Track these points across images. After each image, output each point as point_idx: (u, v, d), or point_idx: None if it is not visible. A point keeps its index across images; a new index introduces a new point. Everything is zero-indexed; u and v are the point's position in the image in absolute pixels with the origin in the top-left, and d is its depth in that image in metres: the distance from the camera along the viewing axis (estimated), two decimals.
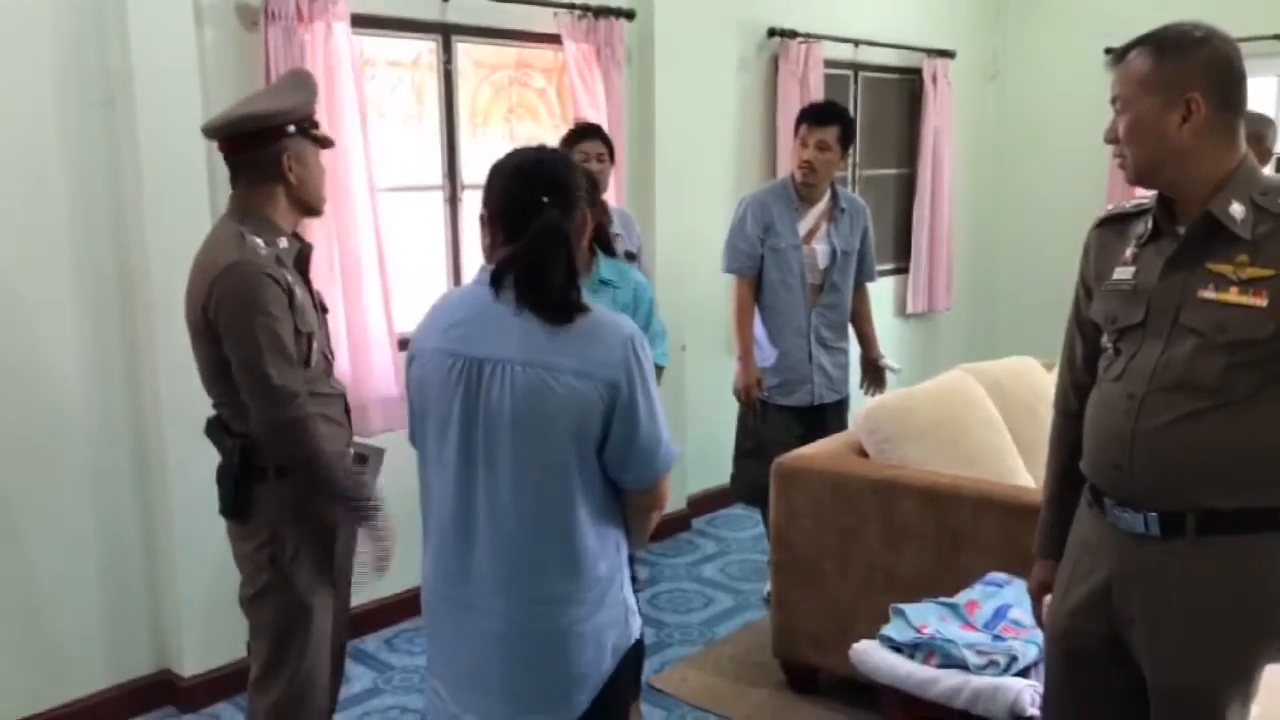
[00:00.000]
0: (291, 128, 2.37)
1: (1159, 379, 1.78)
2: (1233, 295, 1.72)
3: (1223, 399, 1.73)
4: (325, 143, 2.49)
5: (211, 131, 2.40)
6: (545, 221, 1.79)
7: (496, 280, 1.83)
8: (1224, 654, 1.78)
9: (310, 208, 2.49)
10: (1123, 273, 1.88)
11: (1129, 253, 1.89)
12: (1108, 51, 6.16)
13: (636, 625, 1.97)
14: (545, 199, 1.80)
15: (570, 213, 1.84)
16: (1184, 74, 1.73)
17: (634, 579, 2.18)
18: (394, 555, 2.46)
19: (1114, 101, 1.81)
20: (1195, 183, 1.77)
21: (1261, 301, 1.70)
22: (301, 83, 2.52)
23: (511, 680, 1.87)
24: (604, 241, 3.08)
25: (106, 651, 3.35)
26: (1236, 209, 1.74)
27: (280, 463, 2.35)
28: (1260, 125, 3.44)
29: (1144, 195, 1.93)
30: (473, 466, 1.83)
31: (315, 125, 2.45)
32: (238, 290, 2.25)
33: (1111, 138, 1.84)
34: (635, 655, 2.00)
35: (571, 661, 1.85)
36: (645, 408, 1.82)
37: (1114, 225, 1.96)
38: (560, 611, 1.84)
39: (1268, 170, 3.85)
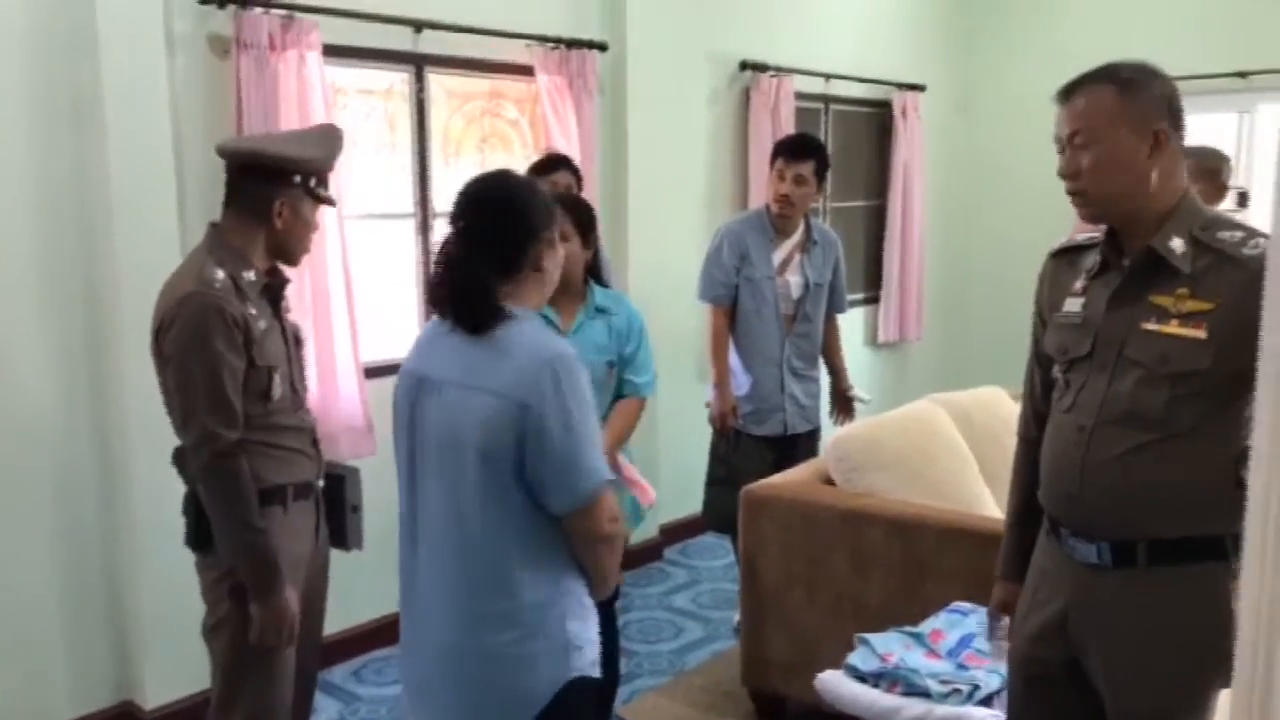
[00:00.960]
0: (298, 178, 2.37)
1: (1106, 411, 1.82)
2: (1173, 327, 1.75)
3: (1168, 431, 1.76)
4: (327, 202, 2.49)
5: (224, 153, 2.40)
6: (450, 235, 1.93)
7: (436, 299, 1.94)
8: (1178, 680, 1.81)
9: (287, 256, 2.47)
10: (1072, 304, 1.92)
11: (1079, 285, 1.92)
12: None
13: (583, 663, 1.92)
14: (462, 221, 1.92)
15: (482, 232, 1.91)
16: (1149, 106, 1.77)
17: (610, 618, 2.12)
18: (282, 636, 2.34)
19: (1072, 137, 1.82)
20: (1147, 216, 1.80)
21: (1201, 334, 1.73)
22: (329, 139, 2.50)
23: (451, 695, 1.93)
24: (595, 271, 3.10)
25: (68, 683, 3.30)
26: (1176, 243, 1.77)
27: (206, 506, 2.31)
28: (1217, 161, 3.51)
29: (1096, 228, 1.98)
30: (414, 482, 1.95)
31: (324, 183, 2.45)
32: (187, 323, 2.24)
33: (1072, 173, 1.83)
34: (590, 694, 1.94)
35: (503, 684, 1.87)
36: (559, 430, 1.80)
37: (1066, 257, 2.00)
38: (490, 631, 1.86)
39: (1226, 204, 3.93)
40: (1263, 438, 0.97)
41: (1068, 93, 1.84)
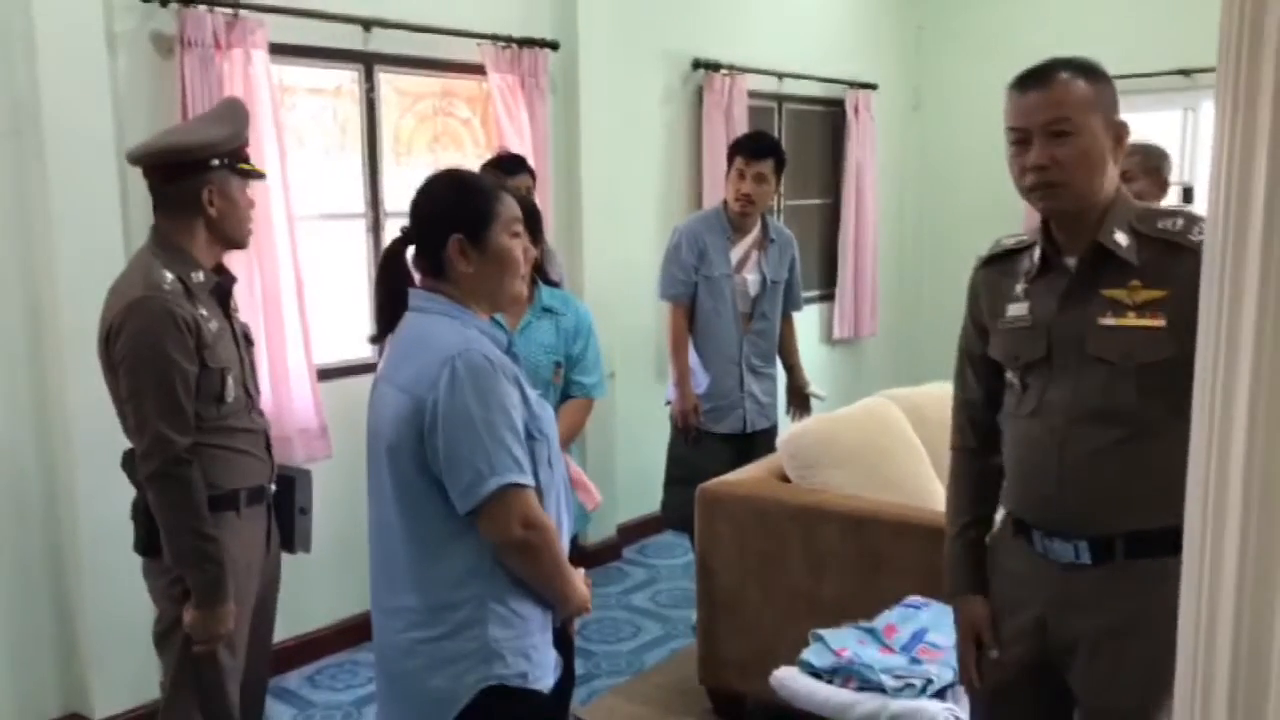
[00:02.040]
0: (216, 161, 2.33)
1: (1077, 409, 1.81)
2: (1131, 319, 1.75)
3: (1141, 423, 1.76)
4: (254, 175, 2.45)
5: (133, 160, 2.36)
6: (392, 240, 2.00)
7: None
8: (1156, 674, 1.81)
9: (232, 241, 2.43)
10: (1017, 309, 1.90)
11: (1019, 289, 1.91)
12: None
13: (507, 671, 1.86)
14: (411, 220, 1.98)
15: (416, 231, 1.96)
16: (1113, 100, 1.77)
17: (561, 631, 2.08)
18: (217, 644, 2.32)
19: (1047, 126, 1.74)
20: (1093, 211, 1.80)
21: (1160, 322, 1.73)
22: (232, 114, 2.46)
23: (384, 689, 1.98)
24: (542, 271, 3.08)
25: (13, 695, 3.23)
26: (1120, 236, 1.78)
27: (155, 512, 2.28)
28: (1158, 158, 3.57)
29: (1021, 232, 1.99)
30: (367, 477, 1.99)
31: (244, 158, 2.41)
32: (137, 328, 2.21)
33: (1044, 163, 1.75)
34: (515, 704, 1.89)
35: (420, 682, 1.87)
36: (454, 428, 1.78)
37: (997, 264, 1.99)
38: (406, 628, 1.88)
39: (1170, 200, 3.99)
40: (1201, 429, 0.98)
41: (1037, 80, 1.77)
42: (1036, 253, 1.89)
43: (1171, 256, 1.74)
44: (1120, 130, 1.78)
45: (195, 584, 2.29)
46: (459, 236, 1.89)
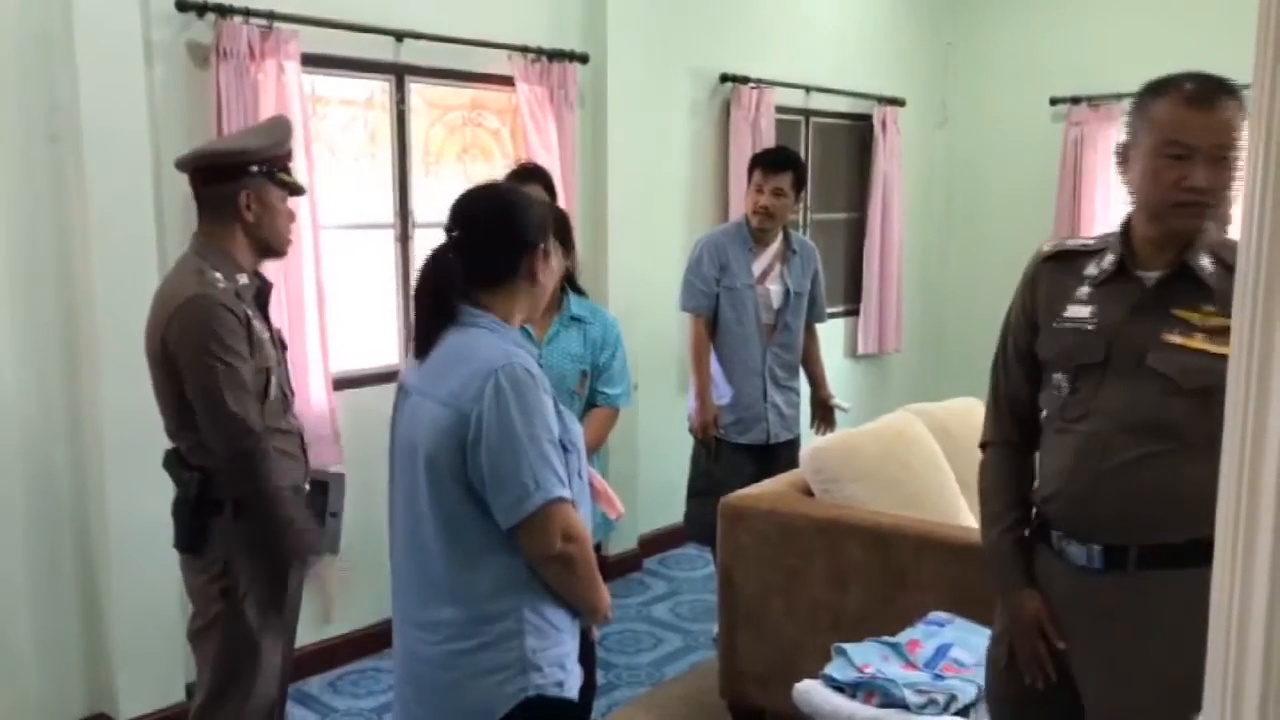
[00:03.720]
0: (255, 168, 2.41)
1: (1125, 418, 1.83)
2: (1198, 342, 1.77)
3: (1185, 441, 1.78)
4: (293, 188, 2.53)
5: (179, 165, 2.45)
6: (438, 246, 1.95)
7: None
8: (1160, 680, 1.81)
9: (270, 249, 2.52)
10: (1077, 310, 1.91)
11: (1083, 291, 1.92)
12: (1053, 102, 6.36)
13: (545, 681, 1.87)
14: (455, 231, 1.95)
15: (474, 243, 1.94)
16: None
17: (584, 636, 2.09)
18: (333, 603, 2.45)
19: (1216, 149, 1.75)
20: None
21: (1226, 349, 1.74)
22: (275, 127, 2.56)
23: (413, 701, 1.96)
24: (572, 280, 3.10)
25: (41, 695, 3.27)
26: (1205, 260, 1.81)
27: (236, 495, 2.36)
28: None
29: (1087, 236, 2.00)
30: (390, 487, 2.00)
31: (284, 169, 2.48)
32: (196, 323, 2.29)
33: (1214, 186, 1.76)
34: (552, 715, 1.90)
35: (456, 694, 1.87)
36: (498, 442, 1.78)
37: (1061, 261, 1.99)
38: (442, 640, 1.88)
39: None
40: (1232, 443, 0.98)
41: (1210, 100, 1.77)
42: (1108, 259, 1.90)
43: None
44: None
45: (279, 550, 2.40)
46: (543, 247, 1.96)
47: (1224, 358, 1.70)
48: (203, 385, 2.30)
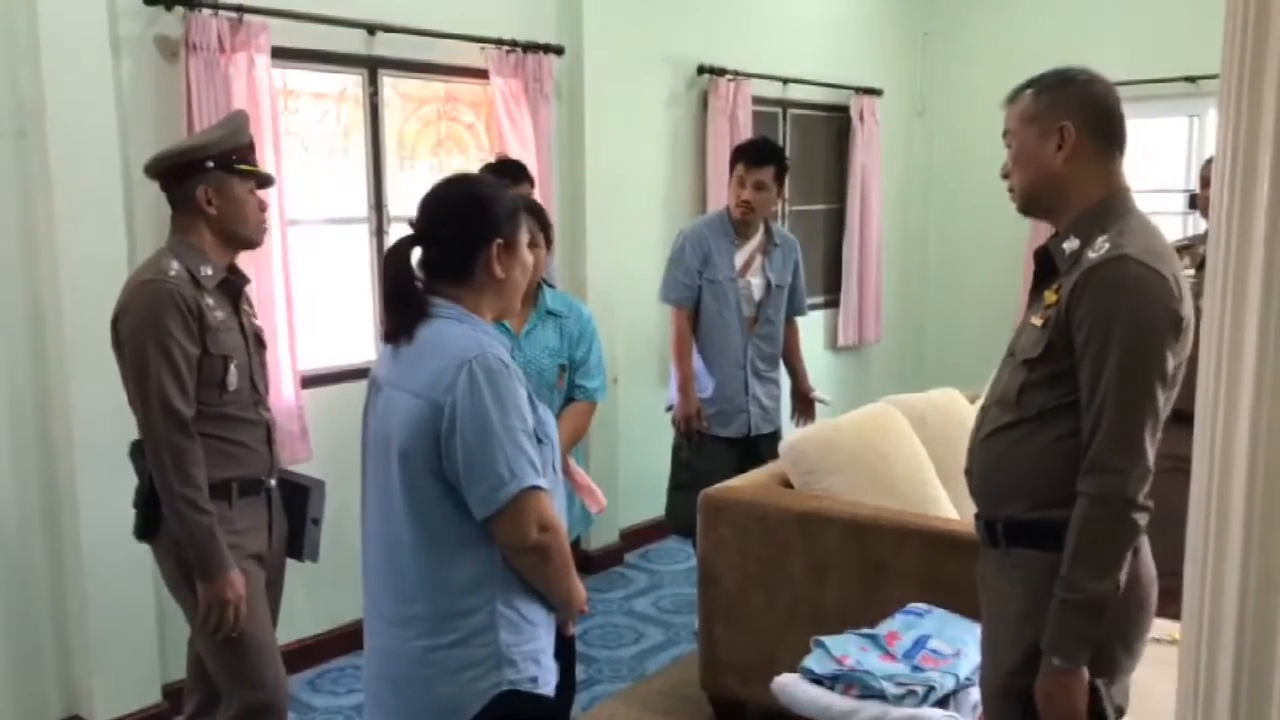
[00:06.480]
0: (210, 163, 2.42)
1: (991, 395, 2.00)
2: (1037, 319, 1.88)
3: (1020, 414, 1.89)
4: (259, 178, 2.53)
5: (146, 172, 2.50)
6: (400, 239, 1.93)
7: None
8: (1004, 660, 1.92)
9: (239, 240, 2.53)
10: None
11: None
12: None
13: (519, 676, 1.86)
14: (418, 225, 1.94)
15: (430, 237, 1.92)
16: (1057, 106, 1.88)
17: (561, 636, 2.07)
18: (227, 617, 2.37)
19: (1005, 136, 1.97)
20: (1069, 214, 1.90)
21: (1039, 321, 1.86)
22: (228, 120, 2.59)
23: (387, 696, 1.93)
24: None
25: (14, 697, 3.23)
26: (1071, 243, 1.86)
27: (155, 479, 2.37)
28: (1208, 168, 3.57)
29: (1027, 240, 2.08)
30: (363, 483, 1.98)
31: (242, 160, 2.48)
32: (139, 306, 2.33)
33: (1004, 172, 1.99)
34: (527, 709, 1.88)
35: (430, 689, 1.86)
36: (472, 433, 1.77)
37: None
38: (416, 635, 1.86)
39: (1175, 206, 3.97)
40: (1204, 434, 0.98)
41: (1010, 98, 1.98)
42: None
43: (1072, 268, 1.84)
44: (1063, 133, 1.86)
45: (193, 556, 2.36)
46: (500, 241, 1.92)
47: (1036, 328, 1.83)
48: (135, 365, 2.33)
